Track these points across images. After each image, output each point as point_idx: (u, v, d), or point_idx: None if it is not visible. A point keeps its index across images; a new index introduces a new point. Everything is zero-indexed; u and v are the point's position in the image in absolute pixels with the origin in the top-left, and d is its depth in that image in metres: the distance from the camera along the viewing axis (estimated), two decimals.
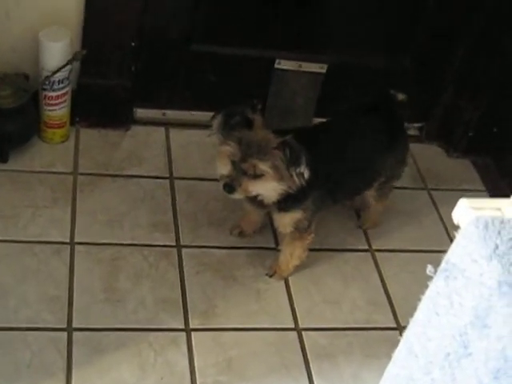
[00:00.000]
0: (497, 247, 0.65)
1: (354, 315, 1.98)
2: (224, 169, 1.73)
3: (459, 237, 0.70)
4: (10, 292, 1.81)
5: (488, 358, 0.64)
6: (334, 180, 1.85)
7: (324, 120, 2.08)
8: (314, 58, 2.33)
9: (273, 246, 2.08)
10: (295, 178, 1.69)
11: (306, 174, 1.67)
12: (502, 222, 0.67)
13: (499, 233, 0.66)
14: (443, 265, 0.72)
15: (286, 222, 1.87)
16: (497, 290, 0.63)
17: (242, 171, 1.70)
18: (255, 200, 1.79)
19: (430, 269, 0.74)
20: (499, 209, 0.70)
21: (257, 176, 1.70)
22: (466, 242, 0.68)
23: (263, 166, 1.68)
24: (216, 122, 1.73)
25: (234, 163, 1.71)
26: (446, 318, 0.70)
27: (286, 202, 1.80)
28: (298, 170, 1.67)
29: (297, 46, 2.31)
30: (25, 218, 1.99)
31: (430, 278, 0.76)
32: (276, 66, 2.32)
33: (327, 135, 1.88)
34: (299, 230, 1.89)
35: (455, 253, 0.70)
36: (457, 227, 0.70)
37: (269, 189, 1.73)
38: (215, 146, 1.82)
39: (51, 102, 2.11)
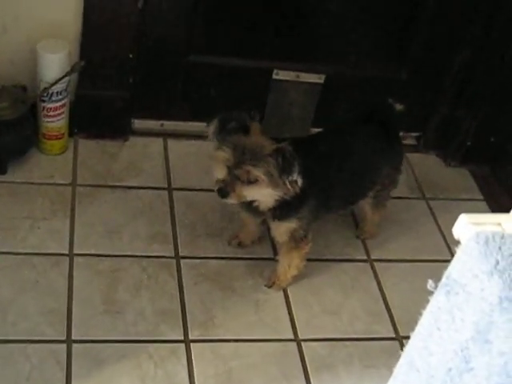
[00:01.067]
0: (497, 263, 0.65)
1: (354, 326, 1.98)
2: (219, 173, 1.73)
3: (460, 252, 0.71)
4: (8, 305, 1.81)
5: (490, 373, 0.64)
6: (329, 189, 1.86)
7: (321, 129, 2.08)
8: (311, 68, 2.34)
9: (271, 256, 2.09)
10: (288, 185, 1.69)
11: (299, 182, 1.68)
12: (502, 237, 0.68)
13: (500, 248, 0.67)
14: (444, 280, 0.72)
15: (281, 230, 1.87)
16: (498, 305, 0.63)
17: (235, 177, 1.70)
18: (251, 207, 1.80)
19: (430, 284, 0.75)
20: (499, 224, 0.70)
21: (251, 182, 1.70)
22: (466, 258, 0.68)
23: (256, 172, 1.68)
24: (212, 127, 1.73)
25: (228, 168, 1.71)
26: (448, 333, 0.71)
27: (281, 211, 1.80)
28: (290, 178, 1.68)
29: (294, 57, 2.32)
30: (23, 230, 1.99)
31: (430, 290, 0.76)
32: (274, 76, 2.33)
33: (323, 144, 1.89)
34: (296, 240, 1.89)
35: (456, 268, 0.70)
36: (457, 241, 0.71)
37: (263, 195, 1.73)
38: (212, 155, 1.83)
39: (50, 113, 2.12)
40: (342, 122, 2.04)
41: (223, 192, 1.72)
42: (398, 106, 1.99)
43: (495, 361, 0.64)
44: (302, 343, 1.91)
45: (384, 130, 1.94)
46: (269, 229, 1.96)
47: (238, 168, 1.69)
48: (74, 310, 1.83)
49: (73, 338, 1.78)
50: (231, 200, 1.74)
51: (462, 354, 0.68)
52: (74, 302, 1.85)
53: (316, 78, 2.36)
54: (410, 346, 0.79)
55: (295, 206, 1.80)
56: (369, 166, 1.95)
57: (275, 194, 1.73)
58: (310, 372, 1.84)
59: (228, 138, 1.71)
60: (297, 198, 1.76)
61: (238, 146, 1.69)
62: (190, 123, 2.36)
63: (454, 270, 0.71)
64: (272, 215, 1.83)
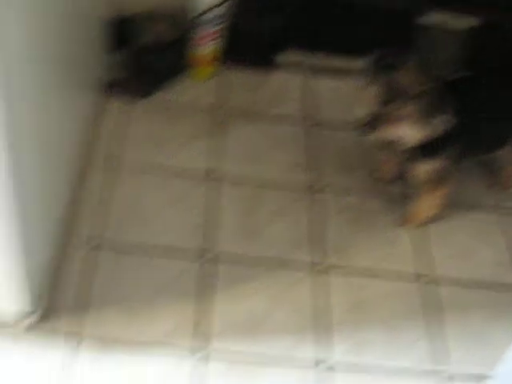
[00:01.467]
0: None
1: (483, 271, 1.99)
2: (368, 109, 1.75)
3: None
4: (155, 216, 1.91)
5: None
6: (474, 132, 1.85)
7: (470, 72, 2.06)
8: (460, 14, 2.31)
9: (408, 195, 2.09)
10: (436, 125, 1.70)
11: (448, 123, 1.69)
12: None
13: None
14: None
15: (423, 170, 1.89)
16: None
17: (385, 113, 1.72)
18: (394, 145, 1.81)
19: None
20: None
21: (399, 119, 1.72)
22: None
23: (406, 110, 1.70)
24: (367, 63, 1.76)
25: (377, 105, 1.73)
26: None
27: (424, 151, 1.82)
28: (440, 118, 1.68)
29: (444, 2, 2.30)
30: (173, 146, 2.09)
31: None
32: (420, 20, 2.32)
33: (472, 86, 1.88)
34: (436, 180, 1.90)
35: None
36: None
37: (408, 133, 1.75)
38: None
39: (201, 40, 2.18)
40: (490, 67, 2.01)
41: (371, 127, 1.75)
42: None
43: None
44: (432, 282, 1.93)
45: None
46: (408, 168, 1.97)
47: (388, 104, 1.71)
48: (215, 226, 1.91)
49: (214, 251, 1.85)
50: (378, 135, 1.76)
51: None
52: (217, 219, 1.93)
53: (464, 24, 2.33)
54: None
55: (439, 146, 1.81)
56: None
57: (421, 133, 1.75)
58: (437, 310, 1.87)
59: (381, 74, 1.73)
60: (441, 138, 1.77)
61: (390, 83, 1.72)
62: (334, 59, 2.37)
63: None
64: (415, 154, 1.84)
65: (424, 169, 1.89)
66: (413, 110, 1.71)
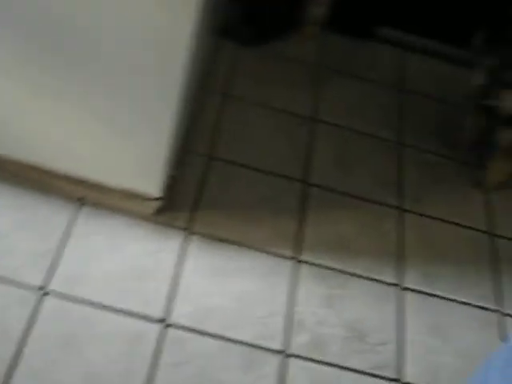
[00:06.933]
0: None
1: None
2: (480, 79, 1.98)
3: None
4: (260, 144, 2.17)
5: None
6: None
7: None
8: None
9: (480, 163, 2.32)
10: None
11: None
12: None
13: None
14: None
15: (508, 136, 2.11)
16: None
17: (499, 81, 1.96)
18: (492, 111, 2.04)
19: None
20: None
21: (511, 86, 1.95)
22: None
23: None
24: (477, 38, 1.99)
25: (491, 73, 1.96)
26: None
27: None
28: None
29: None
30: (277, 91, 2.35)
31: None
32: None
33: None
34: None
35: None
36: None
37: None
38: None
39: (313, 1, 2.43)
40: None
41: (487, 94, 2.00)
42: None
43: None
44: (496, 238, 2.16)
45: None
46: (490, 135, 2.19)
47: (502, 72, 1.94)
48: (313, 160, 2.16)
49: (309, 181, 2.10)
50: (490, 102, 2.00)
51: None
52: (313, 154, 2.18)
53: None
54: None
55: None
56: None
57: None
58: (500, 261, 2.10)
59: (491, 47, 1.97)
60: None
61: (502, 53, 1.95)
62: (430, 41, 2.61)
63: None
64: (506, 122, 2.07)
65: (508, 135, 2.11)
66: None
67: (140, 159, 1.75)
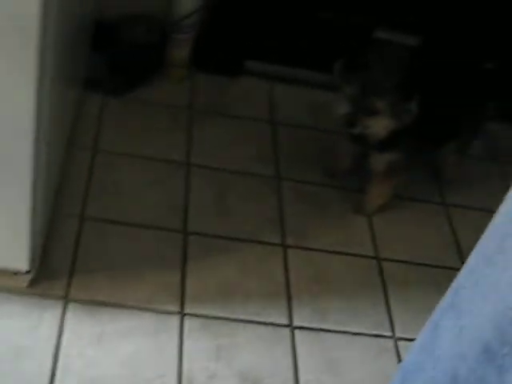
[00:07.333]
0: None
1: (427, 254, 2.23)
2: (343, 108, 1.99)
3: None
4: (136, 197, 2.11)
5: None
6: (427, 127, 2.08)
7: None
8: (411, 30, 2.57)
9: (359, 188, 2.34)
10: (405, 115, 1.94)
11: (414, 111, 1.93)
12: None
13: None
14: None
15: (381, 161, 2.12)
16: None
17: (361, 108, 1.96)
18: (360, 139, 2.05)
19: None
20: None
21: (374, 112, 1.96)
22: None
23: (381, 103, 1.95)
24: (337, 67, 2.00)
25: (353, 102, 1.97)
26: None
27: (385, 143, 2.06)
28: (408, 107, 1.92)
29: (396, 18, 2.57)
30: (148, 139, 2.29)
31: None
32: (375, 35, 2.58)
33: (427, 86, 2.12)
34: (390, 171, 2.14)
35: None
36: None
37: (381, 125, 1.99)
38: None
39: (177, 43, 2.41)
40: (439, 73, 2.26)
41: (351, 122, 1.98)
42: (488, 65, 2.23)
43: None
44: (382, 261, 2.17)
45: (474, 82, 2.18)
46: (364, 161, 2.21)
47: (365, 100, 1.95)
48: (190, 208, 2.12)
49: (188, 230, 2.06)
50: (357, 130, 1.99)
51: None
52: (190, 201, 2.14)
53: (414, 40, 2.59)
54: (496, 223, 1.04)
55: (397, 139, 2.04)
56: (459, 112, 2.19)
57: (391, 125, 1.98)
58: (387, 285, 2.10)
59: (351, 75, 1.98)
60: (400, 132, 2.01)
61: (363, 80, 1.96)
62: (297, 70, 2.62)
63: None
64: (377, 147, 2.08)
65: (382, 160, 2.13)
66: (386, 103, 1.95)
67: (2, 233, 1.67)
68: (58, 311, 1.78)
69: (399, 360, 1.91)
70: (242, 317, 1.90)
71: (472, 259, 1.11)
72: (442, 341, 1.14)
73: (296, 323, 1.93)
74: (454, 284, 1.15)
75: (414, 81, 2.16)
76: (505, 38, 2.64)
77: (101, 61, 2.40)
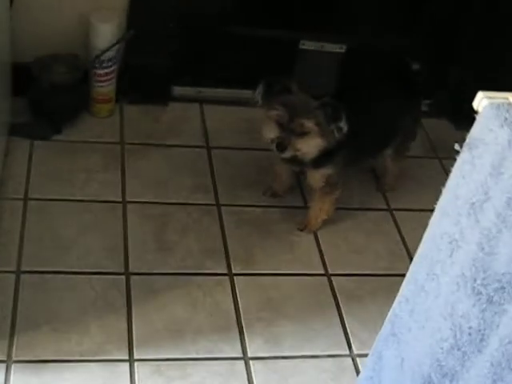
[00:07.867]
0: (506, 119, 0.89)
1: (377, 264, 2.20)
2: (272, 132, 1.96)
3: (478, 118, 0.94)
4: (73, 243, 2.04)
5: (506, 198, 0.88)
6: (360, 137, 2.07)
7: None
8: (334, 39, 2.56)
9: (302, 204, 2.31)
10: (335, 133, 1.91)
11: (345, 129, 1.90)
12: (509, 104, 0.91)
13: (507, 110, 0.90)
14: (467, 140, 0.96)
15: (318, 177, 2.10)
16: (507, 145, 0.87)
17: (290, 131, 1.93)
18: (293, 159, 2.02)
19: (456, 146, 0.98)
20: (507, 98, 0.94)
21: (303, 134, 1.93)
22: (483, 119, 0.91)
23: (309, 124, 1.91)
24: (259, 91, 1.97)
25: (281, 125, 1.94)
26: (470, 177, 0.93)
27: (319, 160, 2.03)
28: (338, 125, 1.90)
29: (319, 29, 2.55)
30: (80, 181, 2.23)
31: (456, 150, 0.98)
32: (300, 46, 2.56)
33: (354, 98, 2.11)
34: (329, 186, 2.12)
35: (476, 129, 0.94)
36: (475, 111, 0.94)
37: (313, 145, 1.96)
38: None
39: (100, 79, 2.35)
40: (366, 80, 2.25)
41: (282, 146, 1.95)
42: (415, 66, 2.21)
43: (507, 185, 0.87)
44: (332, 277, 2.13)
45: (404, 83, 2.17)
46: (303, 178, 2.18)
47: (292, 122, 1.92)
48: (130, 247, 2.06)
49: (130, 270, 2.00)
50: (289, 153, 1.96)
51: (482, 189, 0.91)
52: (129, 241, 2.08)
53: (338, 48, 2.58)
54: (441, 199, 1.01)
55: (331, 154, 2.02)
56: (391, 117, 2.17)
57: (322, 144, 1.96)
58: (340, 301, 2.06)
59: (275, 98, 1.94)
60: (334, 146, 1.98)
61: (288, 103, 1.93)
62: (225, 90, 2.58)
63: (474, 130, 0.94)
64: (311, 164, 2.05)
65: (318, 176, 2.09)
66: (315, 123, 1.92)
67: None
68: (0, 376, 1.70)
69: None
70: (194, 355, 1.85)
71: (405, 287, 1.07)
72: (386, 373, 1.10)
73: (250, 354, 1.88)
74: (391, 313, 1.12)
75: (341, 92, 2.15)
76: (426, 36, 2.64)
77: (24, 105, 2.33)
